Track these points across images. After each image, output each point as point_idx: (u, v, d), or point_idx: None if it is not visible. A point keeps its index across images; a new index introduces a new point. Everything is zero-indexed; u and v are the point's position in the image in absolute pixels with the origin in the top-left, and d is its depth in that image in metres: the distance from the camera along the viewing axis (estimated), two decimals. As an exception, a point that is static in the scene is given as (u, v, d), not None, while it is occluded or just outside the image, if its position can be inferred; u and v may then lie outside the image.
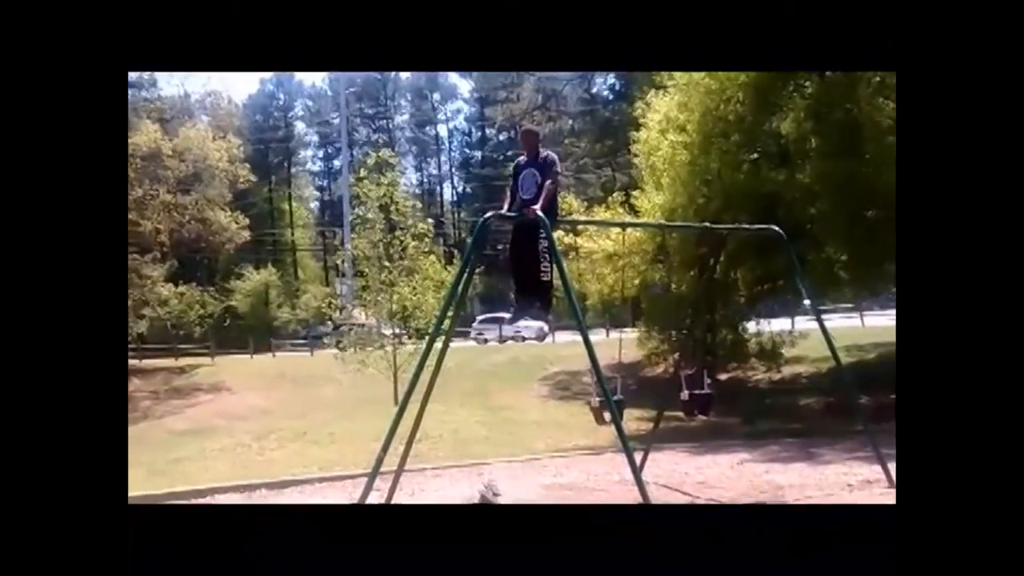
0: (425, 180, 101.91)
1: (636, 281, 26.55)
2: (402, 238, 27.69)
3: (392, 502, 10.34)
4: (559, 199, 10.72)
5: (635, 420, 17.85)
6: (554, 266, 9.58)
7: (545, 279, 9.66)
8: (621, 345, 13.51)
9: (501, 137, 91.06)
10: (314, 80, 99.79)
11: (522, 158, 10.13)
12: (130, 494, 11.33)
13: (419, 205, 30.87)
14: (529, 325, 48.91)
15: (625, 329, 26.78)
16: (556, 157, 10.04)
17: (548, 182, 9.60)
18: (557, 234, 10.75)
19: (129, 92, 48.99)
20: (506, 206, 9.97)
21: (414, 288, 27.40)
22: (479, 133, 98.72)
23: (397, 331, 28.09)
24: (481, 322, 52.66)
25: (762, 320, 27.00)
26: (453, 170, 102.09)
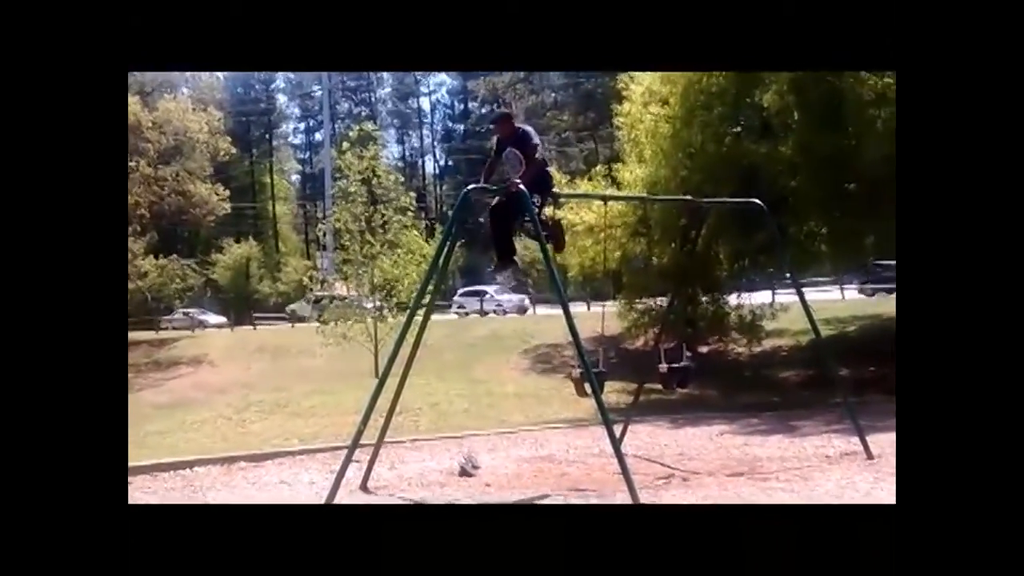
0: (407, 153, 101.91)
1: (617, 254, 26.54)
2: (384, 211, 27.70)
3: (371, 474, 10.34)
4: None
5: (615, 392, 17.85)
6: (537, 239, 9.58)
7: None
8: (604, 318, 13.51)
9: (484, 110, 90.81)
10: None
11: (499, 137, 10.08)
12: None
13: (401, 178, 30.74)
14: (511, 298, 49.11)
15: (606, 302, 26.81)
16: (532, 130, 10.01)
17: (534, 155, 9.57)
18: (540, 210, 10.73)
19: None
20: (482, 179, 9.96)
21: (396, 261, 27.43)
22: (461, 106, 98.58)
23: (378, 304, 28.07)
24: (462, 295, 52.69)
25: (742, 293, 27.04)
26: (435, 143, 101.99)
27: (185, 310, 58.85)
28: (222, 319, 57.71)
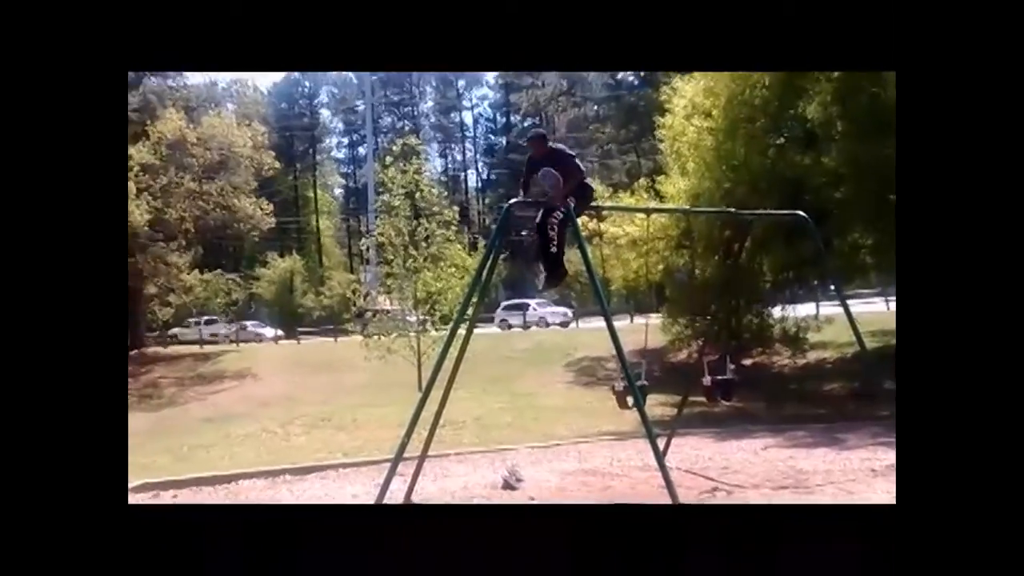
0: (450, 167, 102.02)
1: (660, 267, 26.50)
2: (427, 225, 27.74)
3: (415, 487, 10.36)
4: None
5: (659, 405, 17.78)
6: (578, 251, 9.67)
7: (552, 251, 9.83)
8: (647, 330, 13.47)
9: (526, 123, 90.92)
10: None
11: (531, 156, 10.26)
12: (155, 480, 11.43)
13: (444, 192, 30.87)
14: (554, 311, 49.14)
15: (650, 315, 26.73)
16: (564, 147, 10.29)
17: (573, 169, 9.85)
18: (581, 220, 10.77)
19: (155, 80, 49.34)
20: (521, 194, 10.09)
21: (439, 275, 27.45)
22: (504, 119, 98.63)
23: (422, 318, 28.13)
24: (505, 308, 52.71)
25: (787, 305, 26.89)
26: (478, 157, 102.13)
27: (242, 323, 59.56)
28: (279, 331, 58.36)
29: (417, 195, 28.35)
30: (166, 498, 11.11)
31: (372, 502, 9.60)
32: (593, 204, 11.58)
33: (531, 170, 9.98)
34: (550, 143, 10.39)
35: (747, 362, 26.28)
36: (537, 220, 9.87)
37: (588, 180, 10.66)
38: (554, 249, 9.78)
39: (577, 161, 10.20)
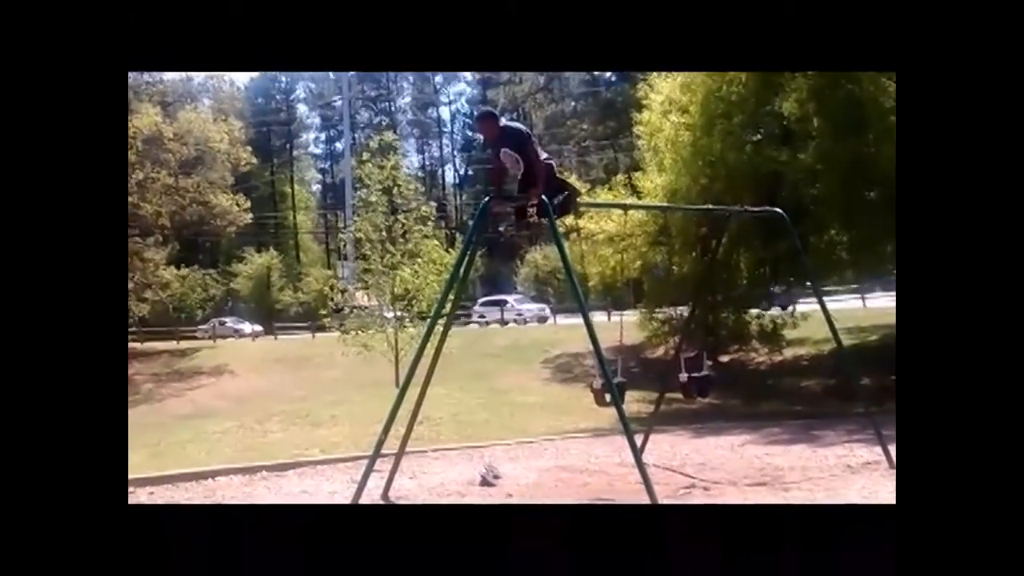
0: (427, 163, 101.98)
1: (638, 263, 26.55)
2: (404, 221, 27.75)
3: (392, 484, 10.35)
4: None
5: (636, 402, 17.83)
6: (555, 247, 9.53)
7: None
8: (623, 327, 13.48)
9: (504, 119, 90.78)
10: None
11: (486, 140, 9.82)
12: (131, 476, 11.36)
13: (421, 188, 30.86)
14: (531, 308, 49.20)
15: (627, 311, 26.78)
16: (519, 125, 9.64)
17: (530, 152, 9.23)
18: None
19: (131, 75, 49.04)
20: (495, 188, 9.81)
21: (416, 271, 27.45)
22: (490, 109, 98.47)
23: (399, 314, 28.12)
24: (483, 304, 52.74)
25: (763, 302, 27.00)
26: (455, 153, 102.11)
27: (221, 319, 59.57)
28: (258, 328, 58.38)
29: (394, 191, 28.36)
30: (142, 495, 11.05)
31: (350, 498, 9.57)
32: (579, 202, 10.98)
33: (495, 154, 9.51)
34: (502, 122, 9.64)
35: (724, 359, 26.37)
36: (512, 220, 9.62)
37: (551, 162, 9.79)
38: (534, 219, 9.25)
39: (534, 142, 9.47)
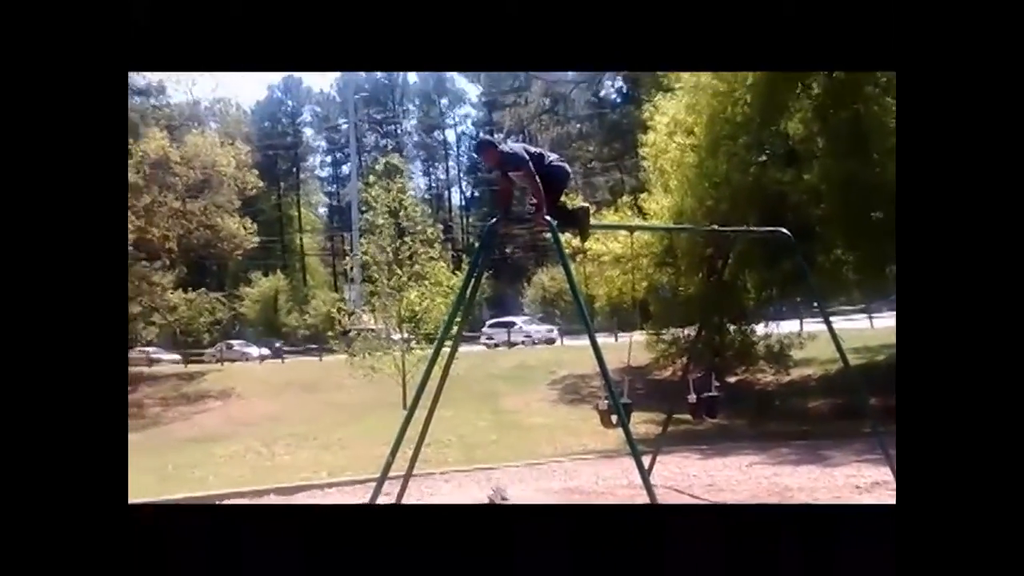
0: (433, 185, 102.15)
1: (644, 284, 26.53)
2: (411, 243, 27.77)
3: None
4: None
5: (643, 423, 17.82)
6: (561, 268, 9.55)
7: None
8: (631, 348, 13.49)
9: (510, 142, 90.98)
10: (322, 86, 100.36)
11: (490, 165, 9.83)
12: (139, 500, 11.37)
13: (428, 210, 30.91)
14: (538, 329, 49.16)
15: (634, 332, 26.76)
16: (518, 147, 9.50)
17: (526, 171, 9.08)
18: (565, 237, 10.71)
19: (138, 99, 49.26)
20: (502, 209, 9.85)
21: (423, 293, 27.46)
22: (487, 137, 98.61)
23: (406, 336, 28.12)
24: (490, 326, 52.70)
25: (770, 322, 26.96)
26: (461, 175, 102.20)
27: (228, 342, 59.58)
28: (266, 351, 58.35)
29: (401, 213, 28.39)
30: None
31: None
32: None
33: (503, 177, 9.52)
34: (500, 148, 9.50)
35: (731, 379, 26.32)
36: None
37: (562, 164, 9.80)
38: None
39: (538, 156, 9.34)
